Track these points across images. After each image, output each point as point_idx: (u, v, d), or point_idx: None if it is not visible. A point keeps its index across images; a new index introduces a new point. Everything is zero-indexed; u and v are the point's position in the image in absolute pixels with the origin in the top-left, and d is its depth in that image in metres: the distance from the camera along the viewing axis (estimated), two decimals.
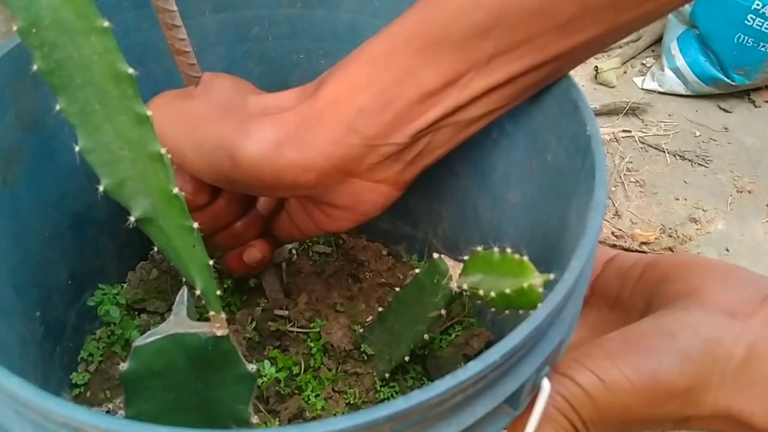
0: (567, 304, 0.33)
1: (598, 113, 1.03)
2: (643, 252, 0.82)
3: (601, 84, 1.11)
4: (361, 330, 0.56)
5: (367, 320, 0.57)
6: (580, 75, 1.12)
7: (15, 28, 0.31)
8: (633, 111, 1.05)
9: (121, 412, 0.51)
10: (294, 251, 0.63)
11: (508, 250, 0.35)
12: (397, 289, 0.50)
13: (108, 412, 0.52)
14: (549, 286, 0.33)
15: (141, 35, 0.47)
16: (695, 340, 0.35)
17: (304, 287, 0.60)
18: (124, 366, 0.39)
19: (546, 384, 0.34)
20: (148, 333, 0.39)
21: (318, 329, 0.56)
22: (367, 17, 0.49)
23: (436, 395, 0.27)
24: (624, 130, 1.03)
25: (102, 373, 0.53)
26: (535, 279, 0.33)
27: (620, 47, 1.16)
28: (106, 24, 0.32)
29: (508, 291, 0.33)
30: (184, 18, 0.48)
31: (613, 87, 1.11)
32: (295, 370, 0.54)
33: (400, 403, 0.27)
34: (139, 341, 0.38)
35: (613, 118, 1.04)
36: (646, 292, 0.41)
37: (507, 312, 0.36)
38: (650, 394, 0.35)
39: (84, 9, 0.31)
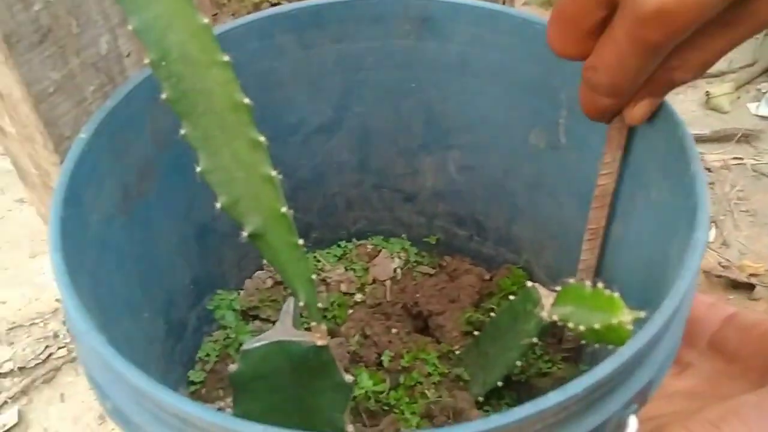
0: (658, 344, 0.33)
1: (708, 139, 0.99)
2: (751, 284, 0.78)
3: (712, 109, 1.06)
4: (457, 352, 0.57)
5: (465, 343, 0.58)
6: (690, 99, 1.07)
7: (147, 60, 0.36)
8: (745, 138, 1.00)
9: (230, 409, 0.55)
10: (399, 270, 0.65)
11: (600, 285, 0.35)
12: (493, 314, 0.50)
13: (219, 409, 0.56)
14: (640, 323, 0.33)
15: (266, 64, 0.51)
16: None
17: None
18: (233, 367, 0.42)
19: (633, 421, 0.33)
20: (256, 338, 0.42)
21: (415, 348, 0.57)
22: (477, 49, 0.51)
23: (514, 421, 0.28)
24: (735, 158, 0.98)
25: (217, 372, 0.57)
26: (625, 316, 0.33)
27: (734, 72, 1.11)
28: (226, 58, 0.36)
29: (597, 326, 0.34)
30: (305, 48, 0.52)
31: (725, 113, 1.05)
32: (388, 386, 0.55)
33: (478, 425, 0.28)
34: (247, 345, 0.42)
35: (724, 145, 0.99)
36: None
37: (597, 346, 0.37)
38: None
39: (207, 44, 0.35)
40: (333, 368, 0.43)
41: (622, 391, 0.32)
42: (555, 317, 0.39)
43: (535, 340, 0.45)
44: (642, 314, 0.33)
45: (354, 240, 0.67)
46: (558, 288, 0.41)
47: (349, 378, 0.44)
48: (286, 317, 0.44)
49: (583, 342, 0.51)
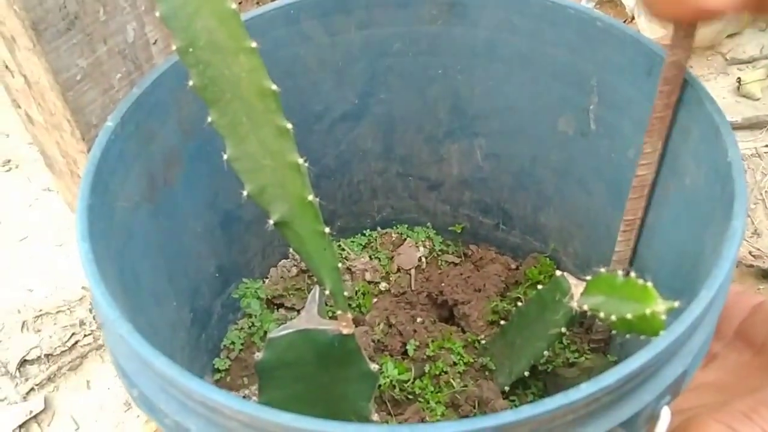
0: (693, 335, 0.32)
1: (740, 127, 0.96)
2: None
3: (743, 96, 1.03)
4: (483, 341, 0.57)
5: (490, 333, 0.58)
6: (721, 86, 1.04)
7: (174, 47, 0.35)
8: None
9: (255, 398, 0.55)
10: (424, 259, 0.65)
11: (632, 274, 0.35)
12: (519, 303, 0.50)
13: (244, 397, 0.56)
14: (674, 314, 0.32)
15: (291, 50, 0.51)
16: None
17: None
18: (259, 355, 0.42)
19: (665, 413, 0.33)
20: (282, 327, 0.42)
21: (440, 337, 0.57)
22: (505, 34, 0.50)
23: (545, 411, 0.27)
24: (767, 145, 0.96)
25: (241, 360, 0.57)
26: (659, 306, 0.32)
27: (766, 58, 1.08)
28: (254, 44, 0.35)
29: (629, 316, 0.33)
30: (331, 35, 0.51)
31: (756, 100, 1.03)
32: (413, 375, 0.55)
33: (508, 416, 0.27)
34: (273, 334, 0.42)
35: (755, 133, 0.97)
36: None
37: (627, 336, 0.36)
38: None
39: (235, 30, 0.35)
40: (359, 357, 0.43)
41: (656, 382, 0.31)
42: (585, 307, 0.39)
43: (563, 330, 0.45)
44: (676, 304, 0.32)
45: (378, 228, 0.67)
46: (588, 277, 0.40)
47: (374, 367, 0.44)
48: (312, 306, 0.43)
49: (614, 332, 0.50)
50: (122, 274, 0.40)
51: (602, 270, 0.38)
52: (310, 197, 0.38)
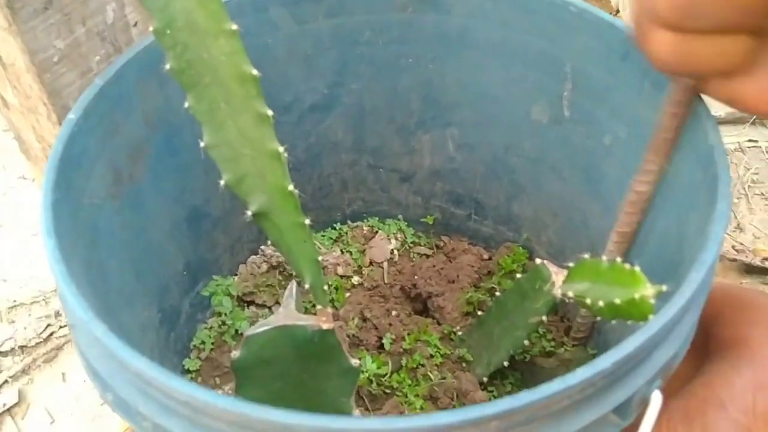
0: (683, 317, 0.32)
1: (724, 121, 0.97)
2: (765, 269, 0.78)
3: None
4: (459, 333, 0.56)
5: (466, 324, 0.57)
6: None
7: (151, 28, 0.34)
8: (760, 120, 0.99)
9: None
10: (396, 252, 0.64)
11: (618, 259, 0.34)
12: (498, 294, 0.49)
13: None
14: (661, 298, 0.32)
15: (259, 39, 0.49)
16: (746, 409, 0.34)
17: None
18: (235, 354, 0.41)
19: (656, 396, 0.33)
20: (259, 323, 0.41)
21: (416, 330, 0.56)
22: (478, 21, 0.49)
23: (544, 397, 0.27)
24: (750, 140, 0.97)
25: (212, 360, 0.55)
26: (648, 290, 0.32)
27: None
28: (234, 27, 0.34)
29: (618, 301, 0.33)
30: (300, 23, 0.50)
31: None
32: (390, 369, 0.54)
33: (507, 402, 0.27)
34: (250, 331, 0.40)
35: (739, 127, 0.98)
36: (704, 328, 0.40)
37: (613, 322, 0.36)
38: None
39: (215, 12, 0.33)
40: (339, 352, 0.42)
41: (648, 365, 0.31)
42: (570, 293, 0.38)
43: (544, 318, 0.44)
44: (664, 288, 0.32)
45: (349, 222, 0.65)
46: (570, 264, 0.40)
47: (355, 362, 0.43)
48: (289, 301, 0.42)
49: (599, 319, 0.50)
50: (90, 272, 0.38)
51: (585, 256, 0.38)
52: (291, 187, 0.37)
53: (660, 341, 0.31)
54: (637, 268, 0.33)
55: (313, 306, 0.53)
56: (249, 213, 0.37)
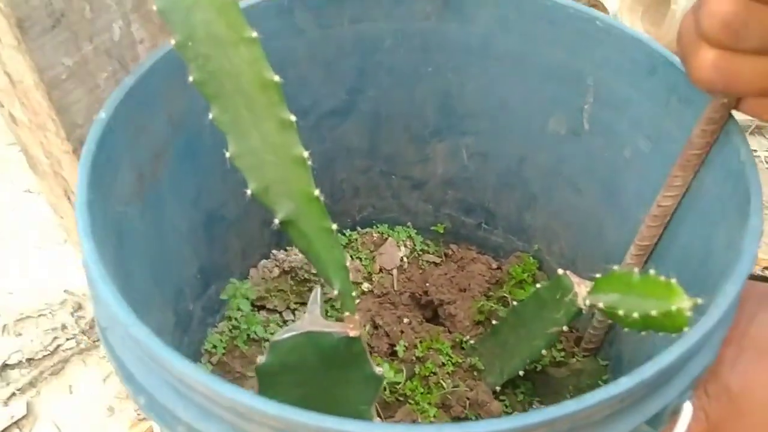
0: (717, 330, 0.32)
1: None
2: (765, 277, 0.79)
3: None
4: (470, 341, 0.57)
5: (477, 332, 0.58)
6: None
7: (173, 42, 0.34)
8: (759, 130, 1.01)
9: None
10: (405, 259, 0.64)
11: (652, 272, 0.35)
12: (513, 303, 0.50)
13: None
14: (695, 310, 0.33)
15: (282, 42, 0.49)
16: None
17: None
18: (261, 359, 0.40)
19: (688, 407, 0.33)
20: (285, 329, 0.40)
21: (428, 338, 0.56)
22: (501, 32, 0.50)
23: (588, 407, 0.27)
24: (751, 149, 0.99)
25: (224, 365, 0.55)
26: (685, 302, 0.32)
27: None
28: (254, 34, 0.34)
29: (654, 313, 0.33)
30: (323, 28, 0.50)
31: None
32: (404, 376, 0.54)
33: (552, 411, 0.27)
34: (277, 337, 0.40)
35: None
36: None
37: (643, 334, 0.36)
38: None
39: (234, 21, 0.34)
40: (364, 360, 0.42)
41: (683, 376, 0.32)
42: (600, 304, 0.39)
43: (564, 328, 0.45)
44: (700, 301, 0.32)
45: (358, 228, 0.65)
46: (597, 275, 0.40)
47: (379, 370, 0.43)
48: (314, 307, 0.42)
49: (610, 330, 0.51)
50: (118, 275, 0.38)
51: (615, 267, 0.38)
52: (316, 192, 0.37)
53: (695, 353, 0.32)
54: (673, 281, 0.33)
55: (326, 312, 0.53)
56: (276, 221, 0.37)
